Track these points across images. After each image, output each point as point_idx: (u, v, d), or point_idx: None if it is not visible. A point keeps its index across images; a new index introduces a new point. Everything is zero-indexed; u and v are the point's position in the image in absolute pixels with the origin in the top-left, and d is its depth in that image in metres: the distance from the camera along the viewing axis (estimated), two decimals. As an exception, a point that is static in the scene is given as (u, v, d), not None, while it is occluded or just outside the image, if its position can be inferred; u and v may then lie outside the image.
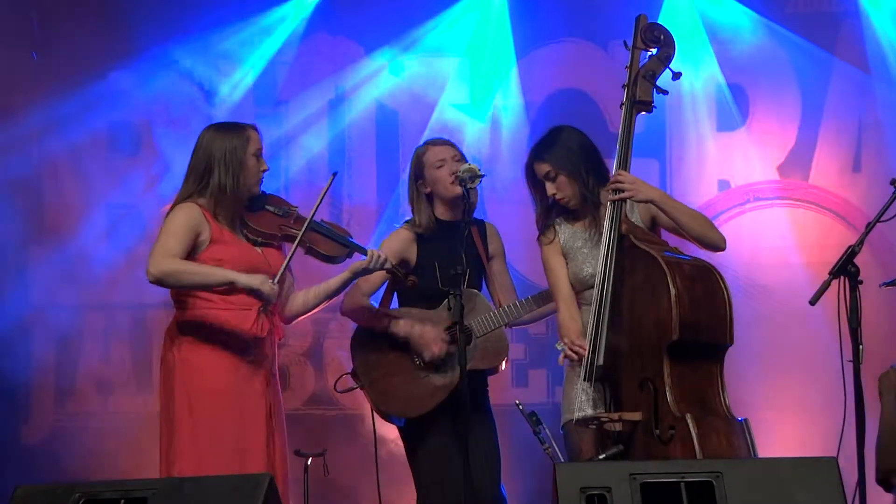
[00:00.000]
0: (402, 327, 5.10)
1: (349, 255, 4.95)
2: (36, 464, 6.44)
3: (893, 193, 4.54)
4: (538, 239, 4.90)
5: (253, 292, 4.73)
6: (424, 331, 5.08)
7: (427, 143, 5.28)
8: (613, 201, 4.54)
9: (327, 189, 4.87)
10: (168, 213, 4.82)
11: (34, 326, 6.62)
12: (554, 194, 4.78)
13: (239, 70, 6.97)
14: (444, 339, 5.05)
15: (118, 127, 6.87)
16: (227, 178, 4.78)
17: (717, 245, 4.69)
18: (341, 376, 5.25)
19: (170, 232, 4.74)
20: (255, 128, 4.93)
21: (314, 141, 7.02)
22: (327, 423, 6.72)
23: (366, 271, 4.91)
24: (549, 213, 4.85)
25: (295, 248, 4.83)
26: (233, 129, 4.90)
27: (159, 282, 4.72)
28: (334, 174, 4.95)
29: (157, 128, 6.80)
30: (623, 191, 4.54)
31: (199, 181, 4.81)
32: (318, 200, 4.88)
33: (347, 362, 5.27)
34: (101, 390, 6.64)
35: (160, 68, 6.81)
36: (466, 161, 5.05)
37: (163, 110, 6.85)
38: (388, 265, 4.90)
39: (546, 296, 5.11)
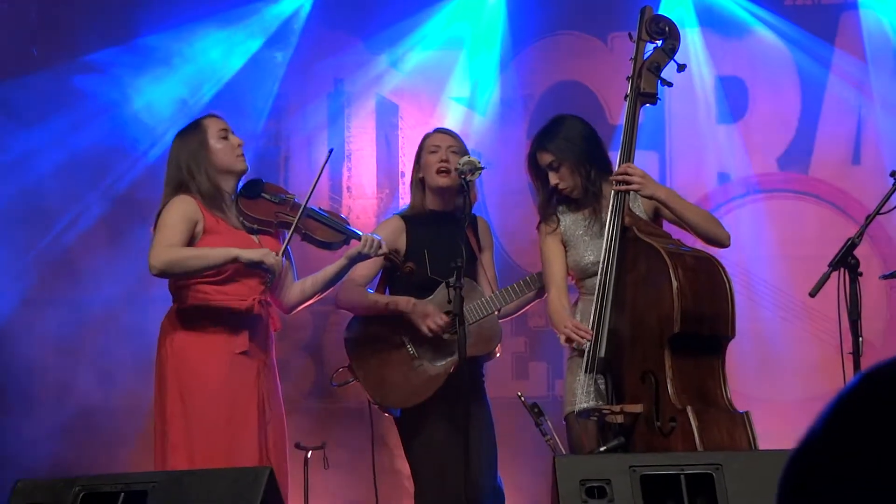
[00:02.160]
0: (402, 303, 5.07)
1: (346, 242, 4.93)
2: (37, 457, 6.44)
3: (893, 185, 4.55)
4: (538, 227, 4.89)
5: (257, 266, 4.72)
6: (424, 305, 5.05)
7: (434, 130, 5.35)
8: (617, 192, 4.54)
9: (323, 168, 4.88)
10: (162, 209, 4.82)
11: (34, 321, 6.61)
12: (557, 184, 4.78)
13: (237, 64, 6.95)
14: (442, 318, 5.01)
15: (116, 123, 6.85)
16: (201, 177, 4.80)
17: (722, 242, 4.69)
18: (338, 370, 5.24)
19: (167, 225, 4.74)
20: (210, 115, 4.98)
21: (313, 135, 7.01)
22: (327, 416, 6.71)
23: (361, 256, 4.88)
24: (551, 201, 4.85)
25: (292, 233, 4.82)
26: (190, 129, 4.94)
27: (163, 273, 4.72)
28: (331, 151, 4.98)
29: (157, 123, 6.78)
30: (630, 183, 4.53)
31: (177, 190, 4.83)
32: (313, 184, 4.88)
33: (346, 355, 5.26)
34: (101, 384, 6.63)
35: (157, 61, 6.79)
36: (467, 154, 5.02)
37: (162, 105, 6.83)
38: (383, 250, 4.89)
39: (537, 278, 5.10)
